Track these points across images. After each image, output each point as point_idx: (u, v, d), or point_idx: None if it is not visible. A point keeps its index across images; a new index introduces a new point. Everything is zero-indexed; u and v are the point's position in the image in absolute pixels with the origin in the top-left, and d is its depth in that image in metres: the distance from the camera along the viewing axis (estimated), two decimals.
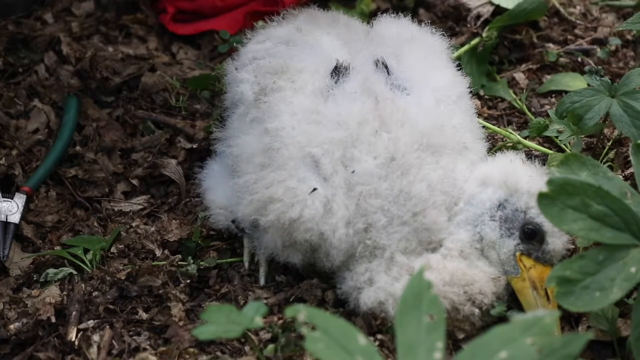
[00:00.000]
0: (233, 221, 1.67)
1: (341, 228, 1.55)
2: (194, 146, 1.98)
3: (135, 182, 1.94)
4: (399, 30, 1.78)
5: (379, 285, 1.55)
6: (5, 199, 1.85)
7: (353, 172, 1.56)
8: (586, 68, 2.11)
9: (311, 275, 1.66)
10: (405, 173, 1.55)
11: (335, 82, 1.63)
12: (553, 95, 2.11)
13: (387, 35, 1.77)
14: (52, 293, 1.67)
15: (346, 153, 1.57)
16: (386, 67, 1.66)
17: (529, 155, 1.84)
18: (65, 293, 1.68)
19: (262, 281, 1.70)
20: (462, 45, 2.17)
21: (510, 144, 1.88)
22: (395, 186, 1.55)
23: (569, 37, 2.27)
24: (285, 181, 1.56)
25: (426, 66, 1.69)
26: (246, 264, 1.72)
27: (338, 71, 1.64)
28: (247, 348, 1.56)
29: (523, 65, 2.20)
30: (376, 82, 1.63)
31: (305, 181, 1.55)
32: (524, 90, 2.12)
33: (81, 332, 1.60)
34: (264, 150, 1.60)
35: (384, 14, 1.84)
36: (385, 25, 1.81)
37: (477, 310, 1.53)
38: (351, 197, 1.56)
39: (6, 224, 1.82)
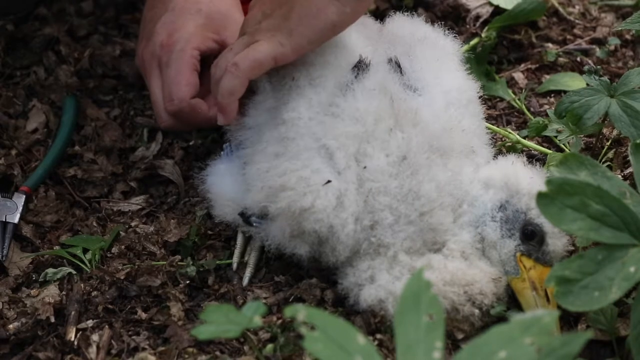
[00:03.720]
0: (241, 213, 1.66)
1: (350, 224, 1.55)
2: (191, 144, 1.98)
3: (133, 183, 1.94)
4: (412, 30, 1.77)
5: (379, 284, 1.55)
6: (4, 199, 1.85)
7: (365, 167, 1.56)
8: (585, 68, 2.10)
9: (311, 274, 1.66)
10: (415, 173, 1.56)
11: (356, 77, 1.63)
12: (552, 95, 2.11)
13: (400, 34, 1.76)
14: (51, 293, 1.67)
15: (360, 148, 1.57)
16: (399, 66, 1.66)
17: (531, 157, 1.84)
18: (64, 293, 1.68)
19: (245, 281, 1.69)
20: (462, 45, 2.17)
21: (510, 144, 1.89)
22: (405, 185, 1.55)
23: (568, 36, 2.27)
24: (299, 171, 1.55)
25: (438, 68, 1.69)
26: (234, 265, 1.72)
27: (359, 66, 1.64)
28: (246, 348, 1.56)
29: (522, 65, 2.20)
30: (391, 82, 1.63)
31: (319, 172, 1.55)
32: (523, 90, 2.12)
33: (80, 332, 1.60)
34: (278, 140, 1.60)
35: (397, 13, 1.83)
36: (398, 24, 1.80)
37: (477, 311, 1.53)
38: (360, 193, 1.56)
39: (5, 223, 1.82)
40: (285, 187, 1.55)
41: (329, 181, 1.54)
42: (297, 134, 1.58)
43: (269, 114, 1.65)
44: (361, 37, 1.72)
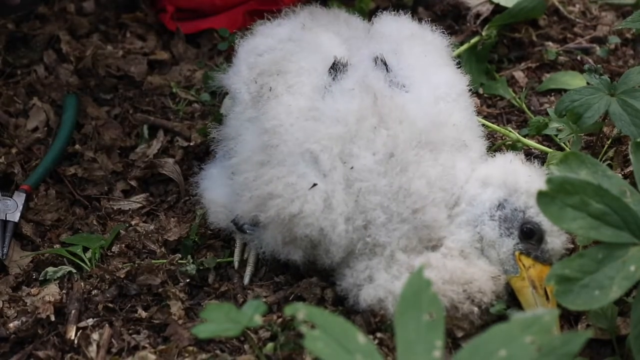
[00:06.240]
0: (233, 221, 1.67)
1: (341, 224, 1.55)
2: (191, 144, 1.99)
3: (133, 182, 1.95)
4: (398, 28, 1.78)
5: (378, 283, 1.55)
6: (4, 198, 1.85)
7: (352, 168, 1.56)
8: (585, 66, 2.11)
9: (311, 274, 1.66)
10: (404, 170, 1.55)
11: (333, 79, 1.63)
12: (552, 94, 2.11)
13: (386, 32, 1.77)
14: (52, 291, 1.67)
15: (345, 149, 1.57)
16: (385, 64, 1.66)
17: (529, 154, 1.84)
18: (64, 291, 1.68)
19: (246, 280, 1.70)
20: (462, 43, 2.17)
21: (510, 143, 1.88)
22: (395, 183, 1.55)
23: (569, 35, 2.27)
24: (285, 177, 1.56)
25: (426, 64, 1.69)
26: (236, 264, 1.73)
27: (336, 68, 1.65)
28: (246, 346, 1.56)
29: (522, 64, 2.20)
30: (375, 79, 1.63)
31: (305, 177, 1.55)
32: (524, 89, 2.12)
33: (80, 331, 1.60)
34: (262, 148, 1.60)
35: (384, 12, 1.84)
36: (385, 22, 1.81)
37: (476, 309, 1.53)
38: (350, 193, 1.56)
39: (5, 222, 1.82)
40: (273, 194, 1.55)
41: (314, 184, 1.55)
42: (280, 141, 1.58)
43: (250, 123, 1.66)
44: (335, 39, 1.73)
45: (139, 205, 1.90)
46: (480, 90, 2.11)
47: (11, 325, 1.61)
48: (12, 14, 2.23)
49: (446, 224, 1.57)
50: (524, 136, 1.90)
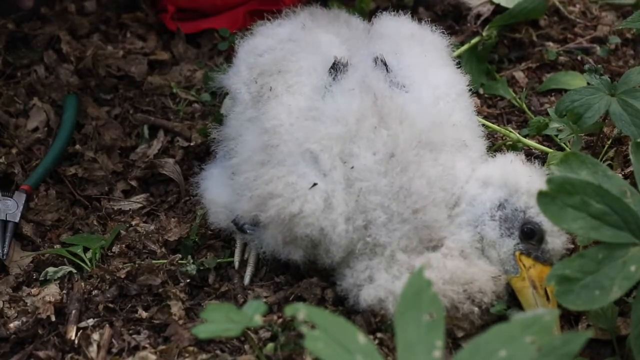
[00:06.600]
0: (233, 221, 1.67)
1: (341, 224, 1.55)
2: (191, 144, 1.99)
3: (133, 182, 1.95)
4: (398, 28, 1.79)
5: (379, 283, 1.55)
6: (4, 198, 1.85)
7: (352, 167, 1.56)
8: (586, 67, 2.11)
9: (311, 274, 1.66)
10: (405, 170, 1.55)
11: (333, 79, 1.64)
12: (553, 94, 2.11)
13: (386, 33, 1.77)
14: (52, 292, 1.67)
15: (345, 149, 1.57)
16: (385, 64, 1.67)
17: (529, 154, 1.84)
18: (64, 292, 1.68)
19: (246, 280, 1.70)
20: (462, 43, 2.17)
21: (510, 143, 1.89)
22: (395, 183, 1.55)
23: (569, 35, 2.27)
24: (285, 177, 1.56)
25: (425, 64, 1.69)
26: (236, 264, 1.73)
27: (336, 68, 1.65)
28: (246, 347, 1.56)
29: (523, 64, 2.20)
30: (375, 79, 1.63)
31: (305, 177, 1.56)
32: (524, 89, 2.12)
33: (81, 331, 1.60)
34: (262, 148, 1.60)
35: (384, 12, 1.85)
36: (385, 23, 1.82)
37: (476, 309, 1.53)
38: (351, 193, 1.56)
39: (6, 222, 1.82)
40: (273, 194, 1.55)
41: (315, 184, 1.55)
42: (280, 141, 1.59)
43: (250, 123, 1.66)
44: (335, 39, 1.73)
45: (139, 205, 1.90)
46: (481, 91, 2.11)
47: (11, 325, 1.61)
48: (12, 14, 2.23)
49: (446, 224, 1.57)
50: (525, 136, 1.90)
